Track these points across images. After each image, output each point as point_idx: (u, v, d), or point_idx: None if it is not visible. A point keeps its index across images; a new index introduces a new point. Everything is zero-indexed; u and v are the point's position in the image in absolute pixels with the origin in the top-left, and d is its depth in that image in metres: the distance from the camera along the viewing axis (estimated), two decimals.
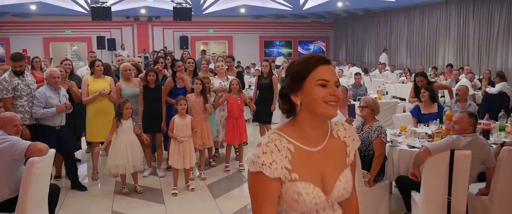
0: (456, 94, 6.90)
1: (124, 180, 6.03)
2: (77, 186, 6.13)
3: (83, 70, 8.60)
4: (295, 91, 1.74)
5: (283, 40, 24.62)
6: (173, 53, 20.08)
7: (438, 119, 6.02)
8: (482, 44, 15.44)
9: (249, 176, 1.71)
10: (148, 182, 6.49)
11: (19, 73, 5.77)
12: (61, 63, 7.38)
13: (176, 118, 5.96)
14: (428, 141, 5.10)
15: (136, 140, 5.95)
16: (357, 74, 10.29)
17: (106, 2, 17.17)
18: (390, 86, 12.78)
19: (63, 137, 5.92)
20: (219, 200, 5.74)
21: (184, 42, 22.13)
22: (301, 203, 1.70)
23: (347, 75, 14.74)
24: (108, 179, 6.56)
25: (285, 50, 24.51)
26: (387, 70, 16.39)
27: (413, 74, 8.17)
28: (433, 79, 13.41)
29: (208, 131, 6.59)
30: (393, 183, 5.32)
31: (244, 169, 6.93)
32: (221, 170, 6.99)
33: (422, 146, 4.49)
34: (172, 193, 5.90)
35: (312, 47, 25.21)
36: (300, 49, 24.85)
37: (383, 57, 19.36)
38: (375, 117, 5.00)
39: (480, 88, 10.81)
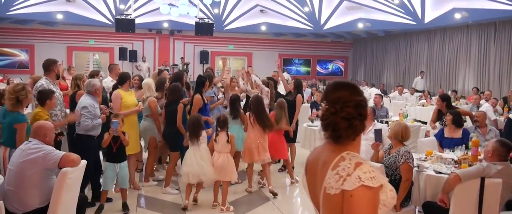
0: (475, 120, 6.86)
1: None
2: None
3: (107, 81, 8.51)
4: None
5: (302, 59, 24.69)
6: (186, 66, 20.36)
7: (464, 145, 5.96)
8: (503, 68, 15.34)
9: (366, 192, 1.78)
10: (171, 197, 6.52)
11: (58, 77, 5.95)
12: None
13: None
14: (455, 166, 5.07)
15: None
16: (377, 95, 10.24)
17: (131, 15, 17.40)
18: (410, 109, 12.71)
19: (97, 147, 6.01)
20: None
21: (204, 56, 22.32)
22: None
23: (367, 96, 14.64)
24: (130, 191, 6.60)
25: (303, 69, 24.58)
26: (406, 92, 16.33)
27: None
28: (454, 104, 13.36)
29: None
30: (417, 208, 5.29)
31: (264, 186, 6.92)
32: (241, 188, 6.94)
33: (452, 172, 4.48)
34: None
35: (330, 66, 25.23)
36: (318, 68, 24.88)
37: (419, 82, 18.06)
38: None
39: (501, 114, 10.72)
